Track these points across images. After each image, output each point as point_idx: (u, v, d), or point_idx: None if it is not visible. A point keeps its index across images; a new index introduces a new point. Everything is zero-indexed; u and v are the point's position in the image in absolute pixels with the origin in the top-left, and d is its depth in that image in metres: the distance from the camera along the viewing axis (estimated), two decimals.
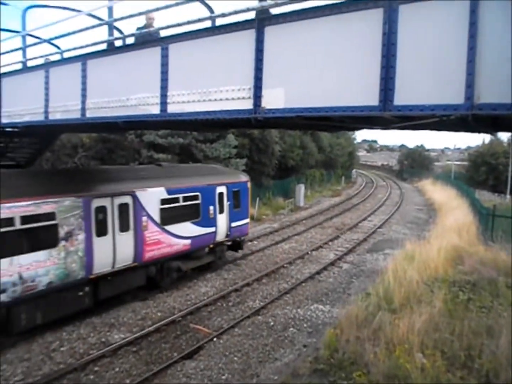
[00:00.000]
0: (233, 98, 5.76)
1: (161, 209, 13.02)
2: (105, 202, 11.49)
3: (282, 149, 35.35)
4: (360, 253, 19.50)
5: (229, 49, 5.88)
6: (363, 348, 8.62)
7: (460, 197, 33.94)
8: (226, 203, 15.87)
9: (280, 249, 19.61)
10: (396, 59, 4.33)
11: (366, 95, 4.62)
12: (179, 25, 6.34)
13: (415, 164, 79.82)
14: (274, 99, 5.38)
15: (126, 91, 7.23)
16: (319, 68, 4.97)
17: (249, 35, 5.52)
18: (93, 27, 8.20)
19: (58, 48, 10.65)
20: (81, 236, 10.78)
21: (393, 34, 4.31)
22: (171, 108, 6.57)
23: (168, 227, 13.23)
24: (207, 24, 6.44)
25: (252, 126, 10.75)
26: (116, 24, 8.29)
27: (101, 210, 11.38)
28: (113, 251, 11.61)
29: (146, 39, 7.13)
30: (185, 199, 14.00)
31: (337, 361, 8.50)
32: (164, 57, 6.61)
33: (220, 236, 15.68)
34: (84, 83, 8.01)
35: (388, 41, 4.36)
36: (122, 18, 7.45)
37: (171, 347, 10.05)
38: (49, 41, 10.19)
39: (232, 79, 5.78)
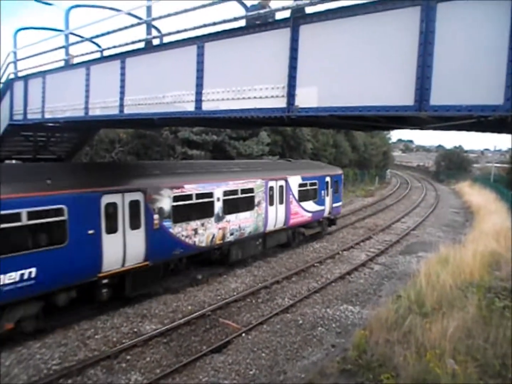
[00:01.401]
0: (267, 96, 5.80)
1: (299, 190, 18.69)
2: (272, 183, 17.07)
3: (315, 147, 35.16)
4: (392, 255, 19.17)
5: (263, 47, 5.92)
6: (392, 350, 8.52)
7: (499, 200, 32.73)
8: (330, 189, 21.41)
9: (310, 248, 19.54)
10: (433, 58, 4.25)
11: (401, 95, 4.56)
12: (214, 24, 6.43)
13: (452, 165, 77.44)
14: (308, 97, 5.39)
15: (162, 88, 7.39)
16: (353, 67, 4.94)
17: (284, 34, 5.54)
18: (132, 26, 8.43)
19: (99, 46, 11.03)
20: (263, 205, 16.48)
21: (431, 33, 4.23)
22: (205, 106, 6.68)
23: (301, 203, 18.90)
24: (242, 23, 6.52)
25: (285, 124, 10.78)
26: (154, 23, 8.53)
27: (271, 189, 16.98)
28: (275, 217, 17.25)
29: (261, 20, 6.12)
30: (310, 184, 19.68)
31: (365, 363, 8.43)
32: (200, 56, 6.72)
33: (326, 213, 21.32)
34: (122, 80, 8.24)
35: (425, 40, 4.28)
36: (160, 17, 7.61)
37: (200, 340, 10.24)
38: (90, 39, 10.55)
39: (266, 77, 5.81)
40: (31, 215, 9.25)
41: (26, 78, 11.54)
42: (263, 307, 12.38)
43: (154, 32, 8.51)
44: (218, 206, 14.29)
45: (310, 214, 19.59)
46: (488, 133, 7.45)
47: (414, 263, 17.48)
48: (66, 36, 10.38)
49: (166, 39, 7.91)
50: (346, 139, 43.08)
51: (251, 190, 15.82)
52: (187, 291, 13.24)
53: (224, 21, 6.34)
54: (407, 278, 14.54)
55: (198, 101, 6.74)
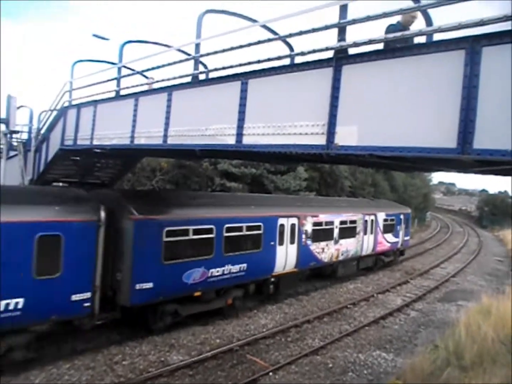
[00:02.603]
0: (307, 133, 5.86)
1: (383, 224, 23.03)
2: (367, 218, 21.44)
3: (353, 186, 34.79)
4: (430, 302, 18.36)
5: (305, 85, 6.04)
6: None
7: None
8: (403, 225, 25.55)
9: (344, 289, 19.04)
10: (477, 102, 4.19)
11: (444, 137, 4.49)
12: (259, 62, 6.64)
13: (496, 211, 74.20)
14: (347, 136, 5.40)
15: (205, 121, 7.62)
16: (395, 107, 4.94)
17: (326, 73, 5.64)
18: (181, 61, 8.84)
19: (148, 79, 11.58)
20: (361, 234, 20.81)
21: (475, 77, 4.19)
22: (246, 140, 6.81)
23: (384, 235, 23.19)
24: (286, 61, 6.70)
25: (324, 161, 10.80)
26: (201, 59, 8.89)
27: (366, 221, 21.30)
28: (368, 244, 21.44)
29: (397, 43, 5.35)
30: (391, 220, 24.01)
31: None
32: (243, 91, 6.92)
33: (399, 244, 25.39)
34: (168, 112, 8.56)
35: (469, 83, 4.24)
36: (207, 54, 7.94)
37: (226, 376, 10.03)
38: (141, 72, 11.12)
39: (307, 114, 5.89)
40: (247, 228, 13.92)
41: (79, 106, 12.22)
42: (292, 347, 12.05)
43: (201, 68, 8.86)
44: (336, 232, 18.79)
45: (389, 244, 24.00)
46: None
47: (453, 311, 16.68)
48: (119, 69, 10.98)
49: (211, 75, 8.23)
50: (385, 178, 42.44)
51: (355, 222, 20.40)
52: (216, 323, 13.12)
53: (269, 59, 6.54)
54: (445, 327, 13.86)
55: (239, 135, 6.89)
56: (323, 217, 17.90)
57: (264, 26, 7.99)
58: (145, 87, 10.32)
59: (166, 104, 8.62)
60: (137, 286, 10.71)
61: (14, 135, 17.10)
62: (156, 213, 11.31)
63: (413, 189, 53.02)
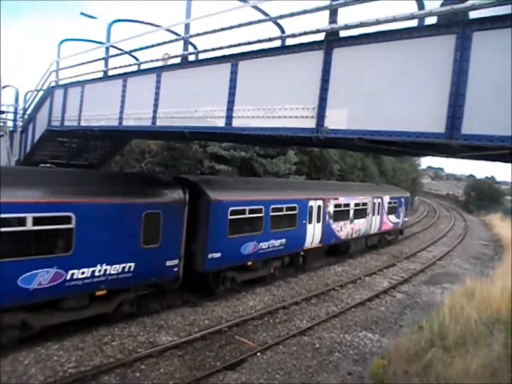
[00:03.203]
0: (297, 116, 5.86)
1: (388, 207, 25.45)
2: (375, 200, 23.74)
3: (342, 169, 34.93)
4: (416, 284, 18.68)
5: (296, 68, 6.00)
6: (411, 383, 8.24)
7: None
8: (403, 207, 27.91)
9: (332, 271, 19.27)
10: (466, 87, 4.21)
11: (433, 122, 4.52)
12: (249, 43, 6.56)
13: (483, 196, 75.21)
14: (337, 119, 5.41)
15: (194, 103, 7.56)
16: (385, 92, 4.94)
17: (317, 56, 5.61)
18: (170, 41, 8.71)
19: (137, 59, 11.39)
20: (370, 215, 23.29)
21: (465, 62, 4.21)
22: (236, 122, 6.78)
23: (388, 216, 25.67)
24: (277, 43, 6.64)
25: (314, 144, 10.80)
26: (191, 39, 8.76)
27: (374, 204, 23.64)
28: (375, 224, 23.99)
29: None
30: (394, 202, 26.40)
31: None
32: (233, 73, 6.86)
33: (400, 224, 28.02)
34: (157, 93, 8.47)
35: (459, 68, 4.26)
36: (197, 35, 7.84)
37: (215, 356, 10.17)
38: (129, 52, 10.93)
39: (297, 97, 5.88)
40: (287, 209, 16.16)
41: (66, 86, 12.01)
42: (280, 328, 12.23)
43: (191, 49, 8.74)
44: (351, 213, 21.24)
45: (392, 225, 26.52)
46: None
47: (438, 294, 16.99)
48: (107, 49, 10.78)
49: (201, 56, 8.12)
50: (374, 162, 42.65)
51: (366, 204, 22.77)
52: (205, 305, 13.23)
53: (259, 41, 6.48)
54: (430, 309, 14.13)
55: (229, 117, 6.86)
56: (342, 200, 20.37)
57: (255, 7, 7.88)
58: (135, 67, 10.17)
59: (155, 85, 8.53)
60: (209, 256, 12.98)
61: None
62: (224, 195, 13.47)
63: (402, 174, 53.40)
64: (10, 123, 17.01)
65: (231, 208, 13.49)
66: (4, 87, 16.06)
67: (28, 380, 8.33)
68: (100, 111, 10.32)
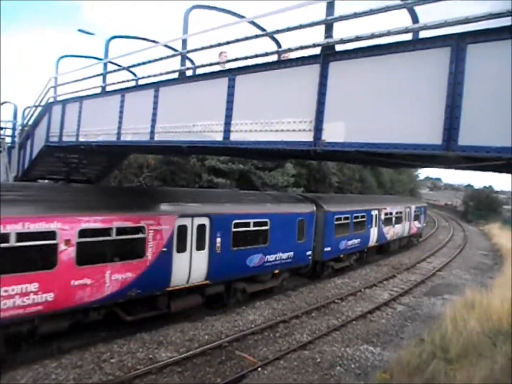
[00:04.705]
0: (294, 129, 5.87)
1: (414, 215, 31.13)
2: (406, 209, 29.36)
3: (340, 181, 35.02)
4: (416, 296, 18.59)
5: (293, 82, 6.04)
6: None
7: None
8: (423, 215, 34.00)
9: (332, 284, 19.17)
10: (462, 99, 4.23)
11: (429, 134, 4.54)
12: (246, 58, 6.62)
13: (481, 206, 75.27)
14: (335, 132, 5.42)
15: (192, 117, 7.58)
16: (381, 104, 4.97)
17: (314, 70, 5.64)
18: (168, 57, 8.77)
19: (135, 75, 11.46)
20: (403, 221, 28.67)
21: (460, 74, 4.24)
22: (233, 136, 6.79)
23: (414, 222, 31.35)
24: (274, 57, 6.69)
25: (311, 157, 10.83)
26: (188, 55, 8.82)
27: (405, 212, 29.37)
28: (406, 228, 29.78)
29: None
30: (418, 211, 32.30)
31: None
32: (231, 88, 6.89)
33: (421, 229, 34.30)
34: (155, 108, 8.50)
35: (454, 80, 4.29)
36: (194, 50, 7.89)
37: (215, 372, 10.05)
38: (127, 68, 10.99)
39: (294, 111, 5.90)
40: (361, 217, 22.35)
41: (64, 102, 12.06)
42: (280, 342, 12.11)
43: (188, 64, 8.80)
44: (394, 220, 26.89)
45: (416, 229, 32.36)
46: None
47: (439, 305, 16.92)
48: (105, 65, 10.85)
49: (199, 71, 8.17)
50: (372, 174, 42.77)
51: (401, 212, 28.33)
52: (204, 320, 13.11)
53: (256, 56, 6.53)
54: (431, 321, 14.05)
55: (227, 131, 6.87)
56: (388, 209, 26.18)
57: (252, 22, 7.96)
58: (133, 83, 10.21)
59: (153, 100, 8.55)
60: (325, 249, 18.62)
61: None
62: (330, 207, 19.16)
63: (399, 185, 53.54)
64: (8, 139, 17.06)
65: (336, 216, 19.51)
66: (3, 103, 16.13)
67: None
68: (98, 126, 10.33)
